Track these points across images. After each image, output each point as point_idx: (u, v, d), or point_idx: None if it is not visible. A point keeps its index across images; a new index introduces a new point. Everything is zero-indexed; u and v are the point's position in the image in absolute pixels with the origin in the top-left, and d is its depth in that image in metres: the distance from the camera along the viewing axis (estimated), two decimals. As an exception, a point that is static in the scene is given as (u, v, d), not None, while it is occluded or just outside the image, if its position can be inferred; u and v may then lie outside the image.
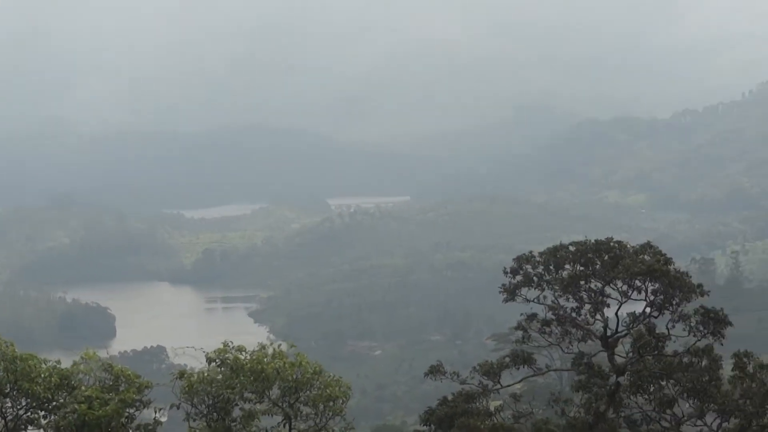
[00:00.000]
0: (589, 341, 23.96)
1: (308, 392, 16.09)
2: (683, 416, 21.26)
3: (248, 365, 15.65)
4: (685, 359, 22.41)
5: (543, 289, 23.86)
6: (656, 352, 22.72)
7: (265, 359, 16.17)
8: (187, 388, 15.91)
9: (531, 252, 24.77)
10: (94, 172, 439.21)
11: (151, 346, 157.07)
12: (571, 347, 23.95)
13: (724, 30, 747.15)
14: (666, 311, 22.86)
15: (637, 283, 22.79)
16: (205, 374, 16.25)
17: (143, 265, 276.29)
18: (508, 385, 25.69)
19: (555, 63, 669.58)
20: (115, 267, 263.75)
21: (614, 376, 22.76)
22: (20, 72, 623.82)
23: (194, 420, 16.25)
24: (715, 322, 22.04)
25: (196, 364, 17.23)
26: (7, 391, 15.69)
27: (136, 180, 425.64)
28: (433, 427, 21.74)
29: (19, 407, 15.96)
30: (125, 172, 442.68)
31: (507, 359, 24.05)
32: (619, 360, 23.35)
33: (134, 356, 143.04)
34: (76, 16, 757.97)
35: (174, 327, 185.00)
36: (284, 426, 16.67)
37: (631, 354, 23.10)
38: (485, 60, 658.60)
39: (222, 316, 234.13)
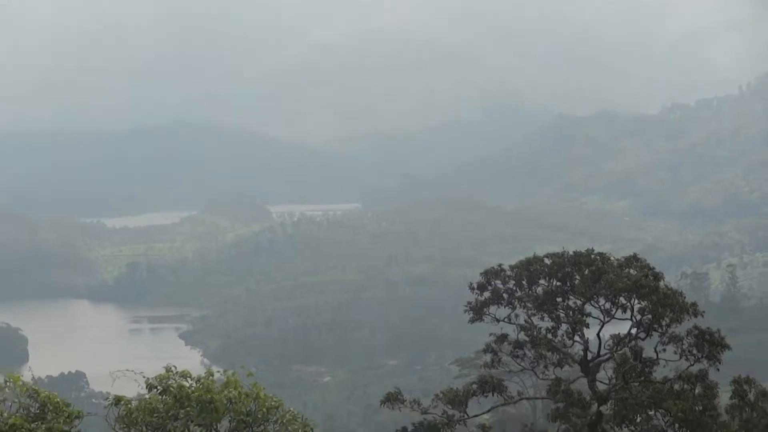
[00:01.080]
0: (567, 366, 25.83)
1: (263, 428, 15.99)
2: None
3: (195, 394, 15.60)
4: (676, 386, 23.85)
5: (514, 307, 25.23)
6: (643, 378, 24.05)
7: (215, 388, 15.94)
8: (125, 418, 15.66)
9: (500, 265, 26.17)
10: (0, 174, 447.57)
11: (69, 372, 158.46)
12: (546, 372, 25.48)
13: (719, 15, 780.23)
14: (654, 332, 24.32)
15: (622, 300, 24.34)
16: (146, 402, 15.93)
17: (59, 281, 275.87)
18: (476, 415, 26.56)
19: (527, 56, 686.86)
20: (25, 283, 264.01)
21: (596, 404, 24.19)
22: None
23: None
24: (710, 344, 23.64)
25: (128, 391, 16.59)
26: None
27: (49, 184, 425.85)
28: None
29: None
30: (36, 175, 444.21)
31: (474, 386, 25.21)
32: (601, 387, 24.80)
33: (50, 382, 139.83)
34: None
35: (95, 351, 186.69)
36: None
37: (614, 380, 24.35)
38: (448, 52, 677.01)
39: (149, 338, 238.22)
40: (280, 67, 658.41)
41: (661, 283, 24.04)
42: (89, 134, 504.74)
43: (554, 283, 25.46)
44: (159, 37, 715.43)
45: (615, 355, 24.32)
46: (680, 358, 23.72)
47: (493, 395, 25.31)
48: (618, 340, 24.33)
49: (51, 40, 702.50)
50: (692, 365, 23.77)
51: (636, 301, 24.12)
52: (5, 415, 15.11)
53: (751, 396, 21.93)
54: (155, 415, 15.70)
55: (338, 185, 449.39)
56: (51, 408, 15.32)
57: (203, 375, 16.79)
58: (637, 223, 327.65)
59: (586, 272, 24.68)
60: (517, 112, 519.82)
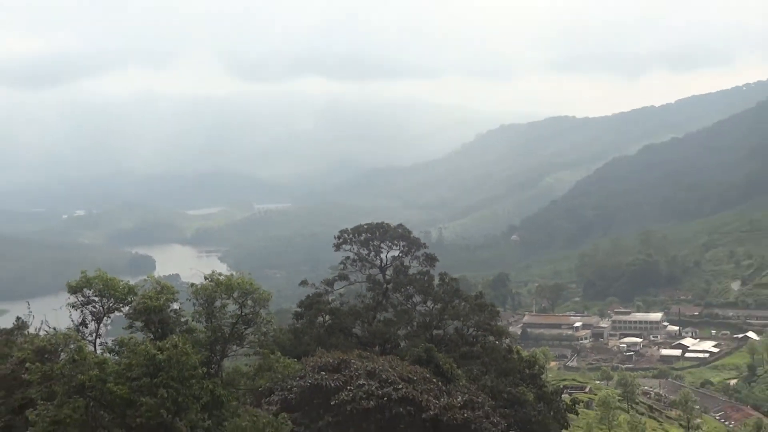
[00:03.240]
0: (374, 269, 51.77)
1: (254, 294, 21.73)
2: (418, 302, 46.48)
3: (237, 281, 21.71)
4: (418, 276, 52.13)
5: (353, 244, 51.40)
6: (404, 273, 52.15)
7: (232, 280, 23.49)
8: (193, 293, 22.67)
9: (347, 228, 51.03)
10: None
11: (170, 274, 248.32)
12: (366, 272, 50.36)
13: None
14: (409, 255, 53.52)
15: (396, 241, 51.23)
16: (203, 287, 23.26)
17: (169, 237, 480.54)
18: (337, 289, 50.67)
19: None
20: (149, 236, 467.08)
21: (385, 284, 52.02)
22: None
23: (196, 309, 23.04)
24: (430, 259, 54.64)
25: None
26: (101, 294, 21.87)
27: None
28: (302, 309, 42.56)
29: (108, 304, 21.85)
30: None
31: (336, 277, 50.44)
32: (387, 277, 51.84)
33: (168, 279, 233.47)
34: None
35: (183, 264, 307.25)
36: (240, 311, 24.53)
37: (392, 275, 52.66)
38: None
39: (205, 261, 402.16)
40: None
41: (412, 234, 53.35)
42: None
43: (368, 235, 50.23)
44: None
45: (393, 264, 51.34)
46: (419, 266, 52.21)
47: (345, 281, 51.48)
48: (394, 258, 52.03)
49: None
50: (425, 269, 51.98)
51: (401, 241, 51.62)
52: (144, 292, 22.19)
53: (447, 280, 47.65)
54: (207, 290, 22.00)
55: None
56: (166, 289, 21.63)
57: (236, 274, 24.89)
58: (402, 212, 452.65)
59: (380, 231, 51.98)
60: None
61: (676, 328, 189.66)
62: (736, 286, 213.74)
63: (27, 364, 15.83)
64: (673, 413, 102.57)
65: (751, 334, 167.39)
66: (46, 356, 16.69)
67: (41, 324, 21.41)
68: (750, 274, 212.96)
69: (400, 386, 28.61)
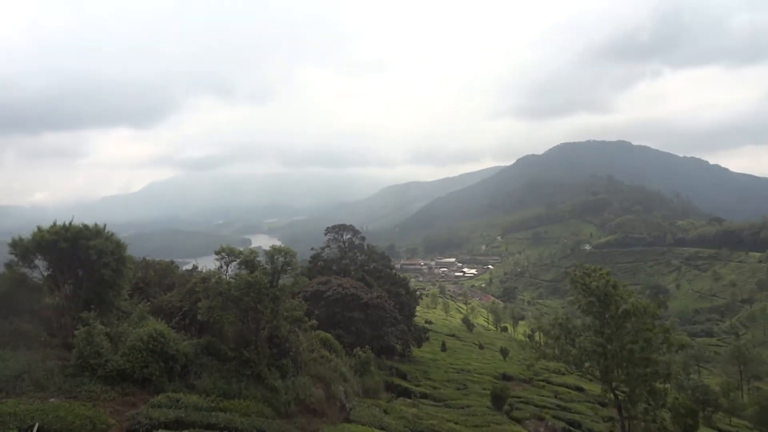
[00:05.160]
0: (340, 242, 68.90)
1: (290, 253, 22.66)
2: (358, 256, 66.64)
3: (277, 247, 23.03)
4: (358, 245, 69.26)
5: (331, 232, 67.22)
6: (352, 244, 69.73)
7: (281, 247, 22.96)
8: (266, 253, 22.78)
9: (329, 226, 69.37)
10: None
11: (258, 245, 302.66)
12: (337, 244, 68.94)
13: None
14: (355, 236, 69.43)
15: (349, 231, 68.63)
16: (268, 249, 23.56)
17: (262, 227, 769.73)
18: (325, 251, 69.33)
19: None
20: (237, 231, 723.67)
21: (345, 249, 67.97)
22: None
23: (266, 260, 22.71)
24: (363, 238, 68.85)
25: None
26: (228, 254, 22.56)
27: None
28: (311, 258, 64.21)
29: (231, 259, 22.78)
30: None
31: (325, 246, 69.06)
32: (345, 245, 69.71)
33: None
34: None
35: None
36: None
37: (347, 245, 68.92)
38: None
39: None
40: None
41: (355, 228, 68.82)
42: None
43: (338, 228, 68.11)
44: None
45: (347, 240, 67.99)
46: (358, 241, 68.74)
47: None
48: (349, 238, 68.52)
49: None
50: (361, 242, 69.06)
51: (351, 231, 68.09)
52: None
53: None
54: (270, 252, 22.32)
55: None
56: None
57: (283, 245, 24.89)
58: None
59: (344, 227, 68.47)
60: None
61: (461, 264, 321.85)
62: (483, 246, 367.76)
63: (198, 283, 22.84)
64: (461, 299, 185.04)
65: (490, 266, 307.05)
66: (205, 280, 22.02)
67: (203, 267, 35.56)
68: (489, 242, 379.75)
69: (351, 289, 48.92)
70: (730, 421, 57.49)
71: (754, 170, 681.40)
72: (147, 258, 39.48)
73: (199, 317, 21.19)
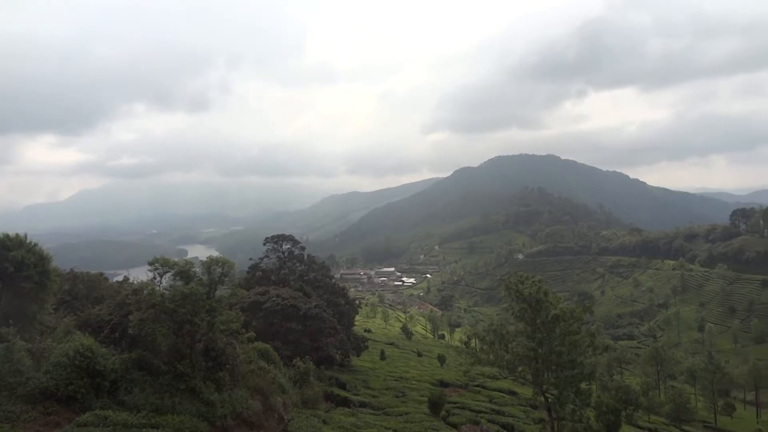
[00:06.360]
0: (279, 252, 67.03)
1: (227, 263, 22.64)
2: (298, 266, 65.84)
3: (215, 258, 22.79)
4: (298, 255, 68.15)
5: (270, 242, 65.80)
6: (292, 254, 68.05)
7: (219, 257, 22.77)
8: (202, 264, 22.99)
9: (268, 236, 67.00)
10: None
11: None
12: (276, 254, 67.28)
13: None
14: (294, 246, 67.86)
15: (288, 241, 67.71)
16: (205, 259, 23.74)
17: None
18: (264, 261, 67.39)
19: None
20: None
21: (284, 259, 66.69)
22: None
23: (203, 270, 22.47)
24: (302, 248, 67.71)
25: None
26: (162, 265, 22.03)
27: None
28: (249, 269, 61.52)
29: (164, 270, 22.05)
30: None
31: (263, 256, 66.94)
32: (284, 255, 67.30)
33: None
34: None
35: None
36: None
37: (287, 255, 67.73)
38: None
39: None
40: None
41: (295, 237, 68.00)
42: None
43: (277, 238, 66.76)
44: None
45: (287, 250, 66.15)
46: (298, 251, 67.45)
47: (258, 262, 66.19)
48: (288, 248, 67.98)
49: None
50: (300, 252, 67.80)
51: (290, 241, 66.71)
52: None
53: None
54: (207, 263, 22.11)
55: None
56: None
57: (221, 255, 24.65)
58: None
59: (283, 236, 67.42)
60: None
61: (400, 273, 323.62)
62: (422, 256, 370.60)
63: (129, 295, 22.40)
64: (400, 307, 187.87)
65: (428, 275, 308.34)
66: (137, 292, 21.76)
67: (135, 279, 34.48)
68: (427, 251, 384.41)
69: (290, 300, 48.13)
70: (649, 418, 60.76)
71: (669, 184, 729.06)
72: (75, 269, 37.41)
73: (130, 331, 20.51)
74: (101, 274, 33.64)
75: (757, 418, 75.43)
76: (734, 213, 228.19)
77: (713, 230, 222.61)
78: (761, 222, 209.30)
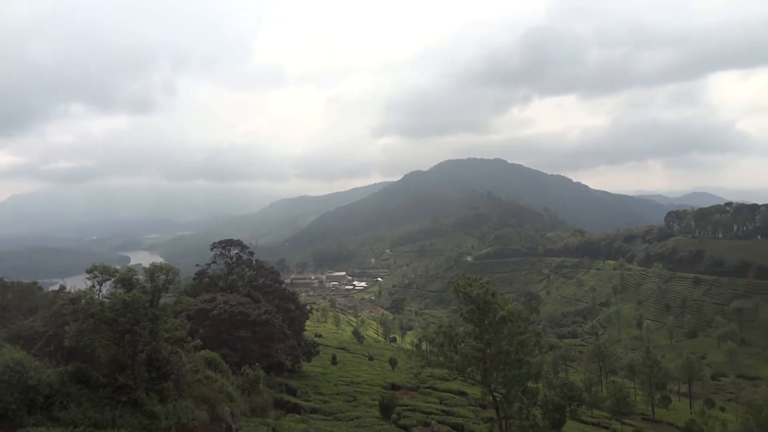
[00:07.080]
0: (227, 257, 65.48)
1: (173, 270, 21.96)
2: (246, 271, 64.67)
3: (159, 264, 22.38)
4: (246, 260, 66.78)
5: (218, 248, 64.36)
6: (240, 259, 67.78)
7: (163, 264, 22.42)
8: (146, 270, 22.40)
9: (216, 241, 65.31)
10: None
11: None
12: (224, 259, 66.00)
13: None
14: (243, 252, 66.51)
15: (237, 246, 66.02)
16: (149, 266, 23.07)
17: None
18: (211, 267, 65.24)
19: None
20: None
21: (232, 264, 65.14)
22: None
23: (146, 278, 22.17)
24: (251, 253, 66.25)
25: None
26: (101, 273, 21.34)
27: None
28: (196, 275, 59.27)
29: (104, 278, 21.51)
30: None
31: (211, 262, 65.59)
32: (233, 261, 66.26)
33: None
34: None
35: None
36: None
37: (235, 260, 66.25)
38: None
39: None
40: None
41: (244, 242, 66.52)
42: None
43: (225, 243, 65.22)
44: None
45: (235, 256, 65.38)
46: (246, 256, 66.39)
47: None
48: (236, 254, 65.63)
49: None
50: (249, 258, 66.57)
51: (239, 246, 65.59)
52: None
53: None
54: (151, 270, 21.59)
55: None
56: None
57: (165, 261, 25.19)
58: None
59: (231, 242, 65.57)
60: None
61: (351, 277, 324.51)
62: (373, 260, 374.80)
63: (66, 305, 21.52)
64: (351, 311, 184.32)
65: (379, 279, 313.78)
66: (74, 301, 21.10)
67: (72, 288, 32.83)
68: (378, 255, 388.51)
69: (238, 307, 47.64)
70: (592, 413, 62.96)
71: (609, 187, 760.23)
72: (5, 279, 35.30)
73: (66, 342, 19.56)
74: (34, 284, 31.94)
75: (690, 408, 79.77)
76: (668, 215, 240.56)
77: (650, 231, 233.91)
78: (692, 223, 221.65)
